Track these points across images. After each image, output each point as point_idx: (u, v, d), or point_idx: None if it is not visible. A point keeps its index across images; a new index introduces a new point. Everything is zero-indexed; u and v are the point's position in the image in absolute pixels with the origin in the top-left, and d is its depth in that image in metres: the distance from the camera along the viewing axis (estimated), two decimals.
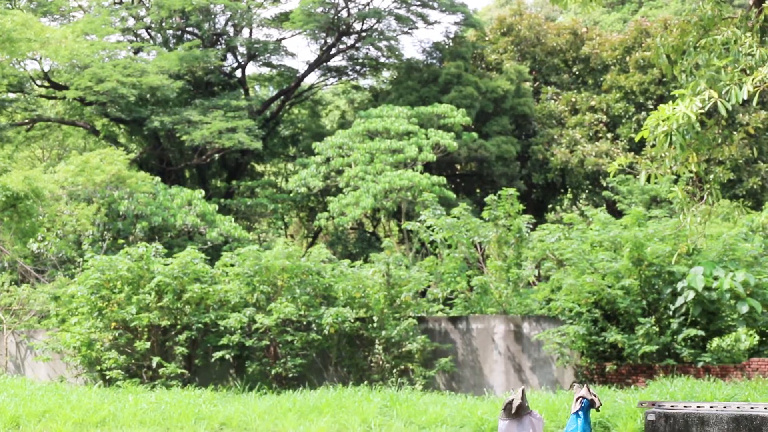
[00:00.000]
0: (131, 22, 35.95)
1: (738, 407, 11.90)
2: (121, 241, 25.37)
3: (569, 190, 38.64)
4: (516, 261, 21.07)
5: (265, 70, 40.23)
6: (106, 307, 20.61)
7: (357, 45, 37.62)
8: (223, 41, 36.94)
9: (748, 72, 13.08)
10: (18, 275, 26.03)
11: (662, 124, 13.45)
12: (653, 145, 14.19)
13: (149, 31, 37.00)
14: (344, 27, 37.04)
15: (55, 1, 34.43)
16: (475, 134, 31.60)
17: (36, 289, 24.65)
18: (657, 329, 18.05)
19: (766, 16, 13.70)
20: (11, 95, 32.25)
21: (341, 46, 37.87)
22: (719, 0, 14.09)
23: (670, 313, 18.11)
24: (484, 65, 37.94)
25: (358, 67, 39.64)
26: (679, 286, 18.25)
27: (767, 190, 31.94)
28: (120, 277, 20.45)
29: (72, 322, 21.06)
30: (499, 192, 21.99)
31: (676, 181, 21.05)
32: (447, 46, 37.70)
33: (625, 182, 27.28)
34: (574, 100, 37.04)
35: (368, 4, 36.79)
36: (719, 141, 15.24)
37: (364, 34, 36.89)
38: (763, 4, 13.45)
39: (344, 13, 36.68)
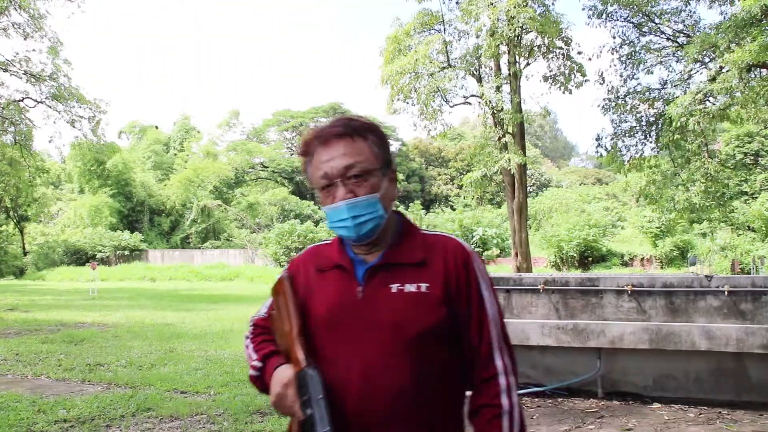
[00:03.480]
0: None
1: None
2: None
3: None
4: None
5: None
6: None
7: None
8: None
9: (495, 160, 20.24)
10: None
11: (468, 178, 21.20)
12: (465, 185, 23.55)
13: None
14: None
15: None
16: None
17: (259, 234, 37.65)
18: None
19: (505, 142, 22.41)
20: None
21: None
22: (487, 137, 21.01)
23: None
24: None
25: None
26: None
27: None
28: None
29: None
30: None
31: (477, 199, 32.31)
32: None
33: (458, 197, 38.24)
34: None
35: None
36: (488, 186, 24.74)
37: None
38: (504, 139, 22.34)
39: None
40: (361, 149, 1.38)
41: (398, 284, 1.39)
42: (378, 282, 1.40)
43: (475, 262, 1.45)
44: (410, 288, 1.38)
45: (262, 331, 1.53)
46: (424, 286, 1.38)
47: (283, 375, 1.36)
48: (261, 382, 1.45)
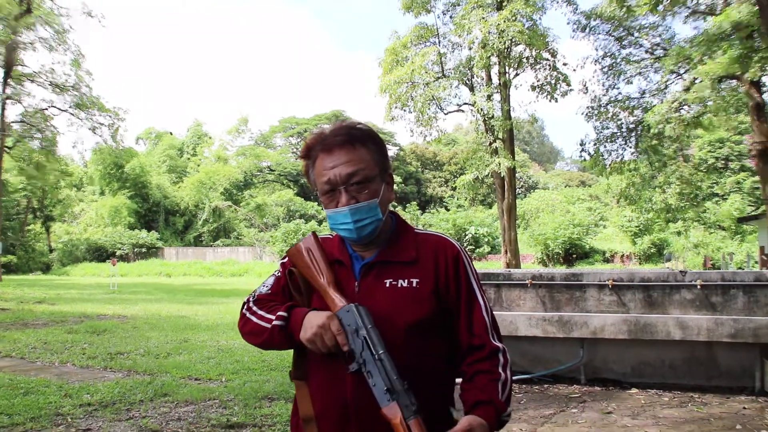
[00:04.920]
0: None
1: None
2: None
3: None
4: None
5: None
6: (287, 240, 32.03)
7: None
8: None
9: (486, 164, 20.59)
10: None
11: (462, 181, 21.38)
12: (459, 187, 23.53)
13: None
14: None
15: None
16: None
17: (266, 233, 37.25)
18: None
19: (495, 147, 22.86)
20: None
21: None
22: (479, 142, 21.81)
23: None
24: None
25: None
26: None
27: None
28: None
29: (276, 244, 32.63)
30: None
31: (469, 200, 32.28)
32: None
33: (452, 198, 38.31)
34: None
35: None
36: (480, 188, 24.99)
37: None
38: (494, 144, 21.76)
39: None
40: (362, 157, 1.38)
41: (391, 279, 1.40)
42: (373, 277, 1.41)
43: (464, 258, 1.46)
44: (402, 283, 1.39)
45: (270, 299, 1.47)
46: (415, 282, 1.39)
47: (321, 314, 1.33)
48: (284, 332, 1.37)
